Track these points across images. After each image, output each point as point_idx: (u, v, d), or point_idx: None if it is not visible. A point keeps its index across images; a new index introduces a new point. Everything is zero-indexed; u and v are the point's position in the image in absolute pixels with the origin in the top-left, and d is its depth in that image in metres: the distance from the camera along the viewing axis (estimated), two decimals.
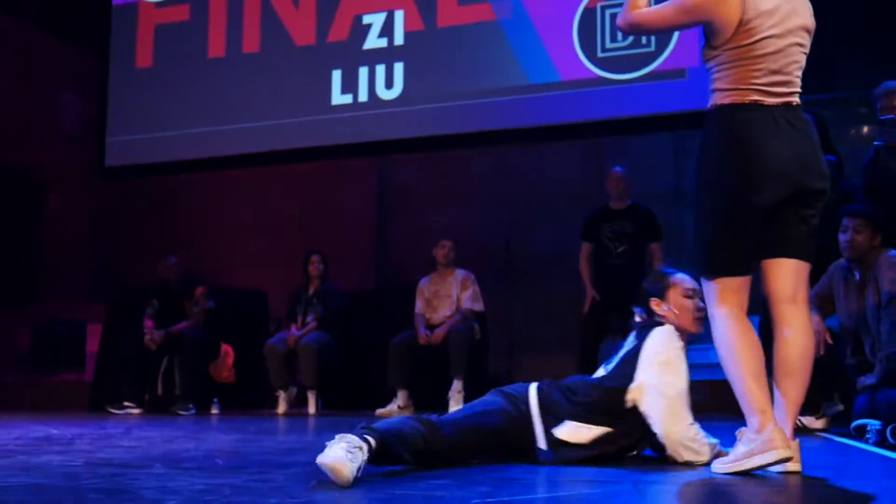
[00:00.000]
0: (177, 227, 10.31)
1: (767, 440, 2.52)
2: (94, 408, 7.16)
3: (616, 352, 3.12)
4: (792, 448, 2.57)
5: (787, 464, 2.55)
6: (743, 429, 2.65)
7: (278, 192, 10.42)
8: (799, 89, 2.74)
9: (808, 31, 2.74)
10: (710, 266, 2.73)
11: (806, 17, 2.75)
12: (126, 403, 6.63)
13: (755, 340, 2.68)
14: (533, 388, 2.95)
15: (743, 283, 2.72)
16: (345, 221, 10.06)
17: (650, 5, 2.81)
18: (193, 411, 6.56)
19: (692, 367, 7.81)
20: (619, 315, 6.06)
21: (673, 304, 3.07)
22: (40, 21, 10.49)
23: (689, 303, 3.06)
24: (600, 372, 3.09)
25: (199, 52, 8.60)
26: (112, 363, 7.12)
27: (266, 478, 2.47)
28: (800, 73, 2.73)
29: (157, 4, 8.81)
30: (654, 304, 3.11)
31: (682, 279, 3.12)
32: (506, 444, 2.85)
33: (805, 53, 2.75)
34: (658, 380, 2.90)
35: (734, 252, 2.69)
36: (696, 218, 2.80)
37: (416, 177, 10.02)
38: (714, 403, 6.85)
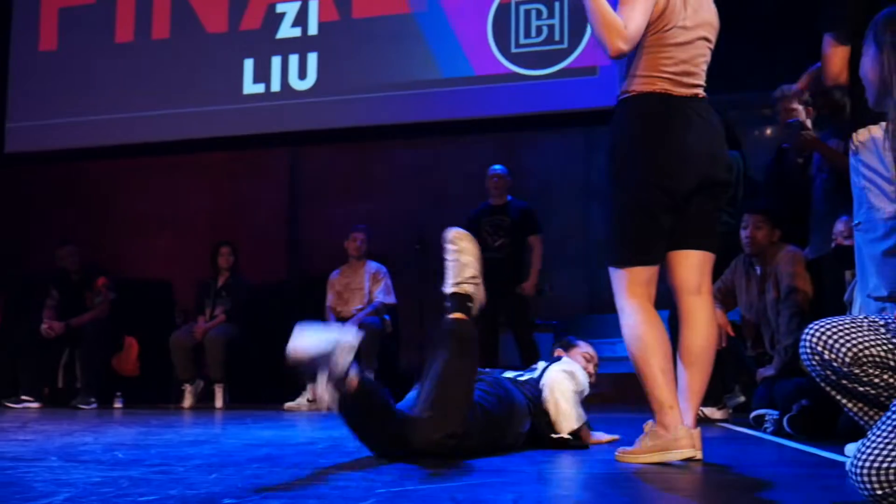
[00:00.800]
0: (81, 217, 10.00)
1: (675, 438, 2.56)
2: None
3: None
4: (694, 437, 2.62)
5: (689, 451, 2.60)
6: (650, 422, 2.68)
7: (187, 183, 10.20)
8: (703, 83, 2.79)
9: (713, 27, 2.80)
10: (619, 255, 2.75)
11: (712, 14, 2.81)
12: (24, 397, 6.41)
13: (663, 335, 2.70)
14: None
15: (651, 274, 2.75)
16: (255, 213, 9.91)
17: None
18: (95, 405, 6.37)
19: (599, 359, 7.91)
20: (503, 308, 6.19)
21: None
22: None
23: (587, 365, 3.46)
24: (510, 373, 3.24)
25: (106, 36, 8.36)
26: (9, 355, 6.85)
27: (166, 469, 2.41)
28: (705, 68, 2.79)
29: None
30: (558, 353, 3.49)
31: (586, 345, 3.59)
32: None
33: (710, 49, 2.81)
34: (562, 374, 3.04)
35: (643, 241, 2.72)
36: (605, 208, 2.82)
37: (328, 168, 9.93)
38: (619, 396, 7.00)
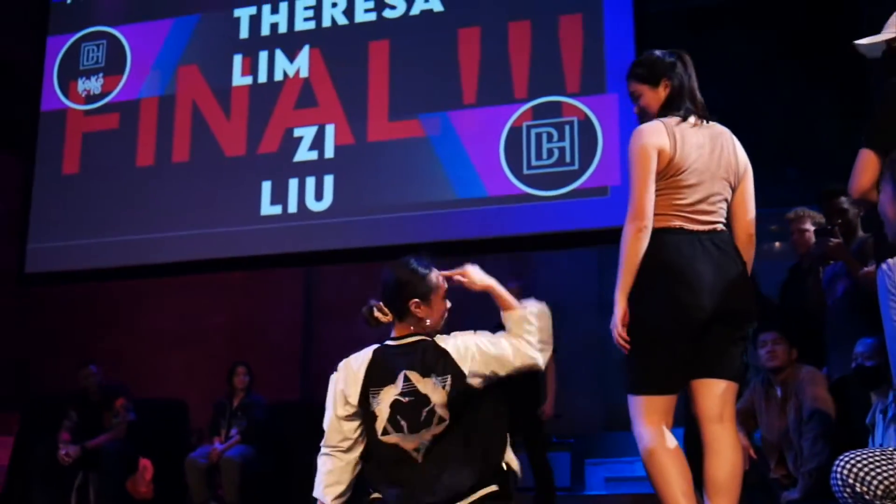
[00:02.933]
0: (96, 335, 10.09)
1: None
2: None
3: None
4: None
5: None
6: None
7: (204, 301, 10.32)
8: (723, 220, 2.88)
9: (733, 169, 2.90)
10: (636, 384, 2.82)
11: (732, 155, 2.91)
12: None
13: (682, 459, 2.73)
14: None
15: (668, 401, 2.81)
16: (270, 331, 9.99)
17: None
18: None
19: (616, 480, 7.81)
20: (521, 429, 6.12)
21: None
22: None
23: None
24: None
25: (127, 159, 8.56)
26: (24, 477, 6.81)
27: None
28: (724, 206, 2.88)
29: (86, 112, 8.80)
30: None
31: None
32: None
33: (732, 187, 2.90)
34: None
35: (660, 371, 2.78)
36: (627, 335, 2.88)
37: (343, 287, 10.04)
38: None
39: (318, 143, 8.13)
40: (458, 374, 2.76)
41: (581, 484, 7.91)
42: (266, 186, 8.16)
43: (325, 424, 2.73)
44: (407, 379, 2.76)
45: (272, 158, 8.20)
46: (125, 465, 6.66)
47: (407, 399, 2.74)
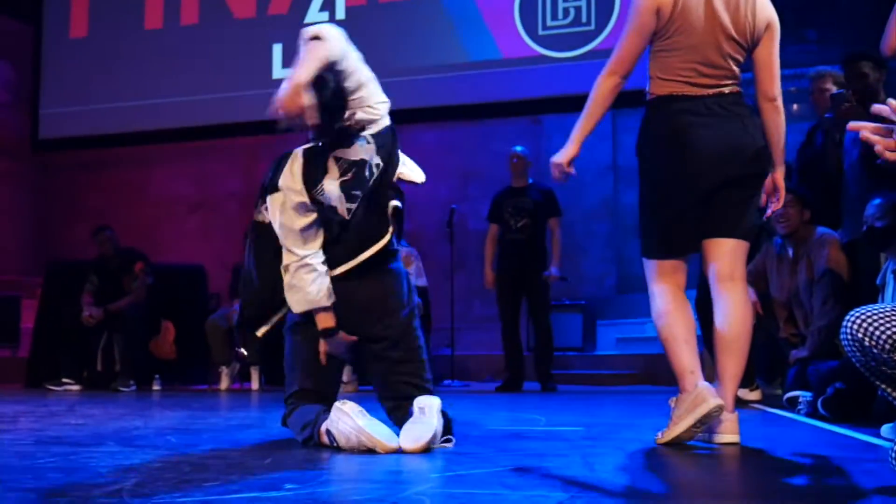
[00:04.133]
0: (111, 201, 10.15)
1: (696, 395, 2.65)
2: (31, 384, 7.05)
3: None
4: (732, 420, 2.69)
5: (727, 435, 2.67)
6: (673, 397, 2.77)
7: (216, 167, 10.33)
8: (734, 79, 2.83)
9: (743, 26, 2.82)
10: (647, 248, 2.86)
11: (746, 13, 2.82)
12: (65, 380, 6.55)
13: (687, 311, 2.82)
14: None
15: (678, 264, 2.85)
16: None
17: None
18: (134, 388, 6.51)
19: (627, 340, 7.94)
20: (526, 290, 6.25)
21: None
22: None
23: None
24: None
25: (135, 23, 8.46)
26: (50, 339, 7.00)
27: (221, 454, 2.51)
28: (732, 64, 2.82)
29: None
30: None
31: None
32: None
33: (743, 46, 2.83)
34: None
35: (669, 236, 2.81)
36: (639, 202, 2.90)
37: None
38: (649, 377, 7.06)
39: (328, 3, 7.99)
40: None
41: (592, 344, 8.07)
42: (277, 49, 8.06)
43: (288, 242, 2.67)
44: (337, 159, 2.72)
45: (282, 20, 8.07)
46: (147, 327, 6.83)
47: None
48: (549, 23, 7.47)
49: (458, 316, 7.60)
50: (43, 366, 7.05)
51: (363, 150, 2.73)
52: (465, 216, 8.86)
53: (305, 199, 2.70)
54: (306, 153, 2.79)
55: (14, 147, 10.30)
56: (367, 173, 2.72)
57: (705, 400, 2.63)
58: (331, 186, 2.70)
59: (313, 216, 2.72)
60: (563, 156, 2.83)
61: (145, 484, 1.96)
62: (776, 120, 2.88)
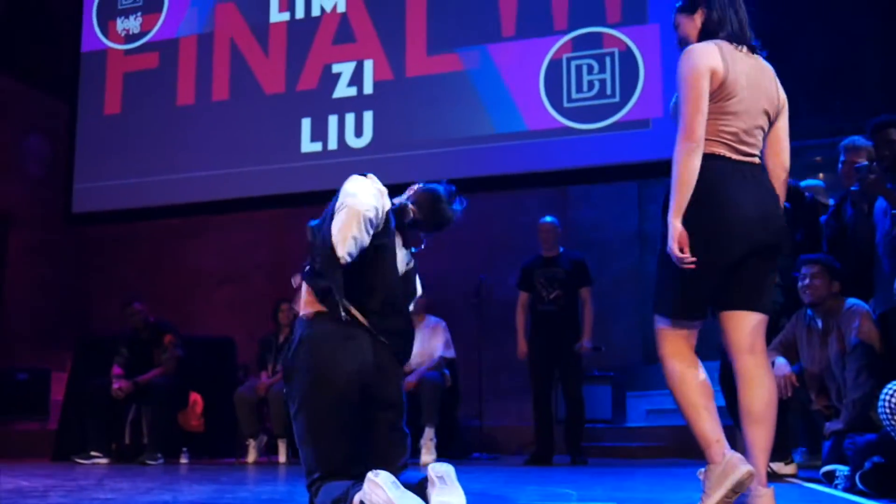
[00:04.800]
0: (140, 275, 10.27)
1: (726, 464, 2.62)
2: (59, 457, 7.06)
3: None
4: (767, 495, 2.65)
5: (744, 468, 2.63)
6: (702, 469, 2.73)
7: (244, 240, 10.45)
8: (759, 152, 2.87)
9: (772, 101, 2.88)
10: (664, 307, 2.84)
11: (772, 88, 2.88)
12: (93, 453, 6.55)
13: (703, 378, 2.80)
14: None
15: (693, 328, 2.84)
16: None
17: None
18: (162, 461, 6.49)
19: (657, 412, 7.83)
20: (558, 361, 6.19)
21: None
22: (8, 65, 10.48)
23: None
24: None
25: (168, 99, 8.63)
26: (78, 412, 7.03)
27: None
28: (762, 138, 2.87)
29: (127, 52, 8.85)
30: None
31: None
32: None
33: (770, 120, 2.88)
34: None
35: (686, 302, 2.80)
36: (659, 259, 2.87)
37: None
38: (680, 449, 6.95)
39: (356, 78, 8.13)
40: None
41: (622, 416, 7.98)
42: (306, 123, 8.19)
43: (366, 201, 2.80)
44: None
45: (311, 95, 8.22)
46: (176, 399, 6.85)
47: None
48: (574, 95, 7.56)
49: (485, 387, 7.56)
50: (71, 438, 7.07)
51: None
52: (492, 287, 8.87)
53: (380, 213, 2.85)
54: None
55: (48, 220, 10.48)
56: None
57: (736, 467, 2.60)
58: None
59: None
60: (674, 239, 2.72)
61: None
62: (783, 190, 2.94)
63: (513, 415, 8.15)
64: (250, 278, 10.38)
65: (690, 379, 2.77)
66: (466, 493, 3.74)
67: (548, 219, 6.57)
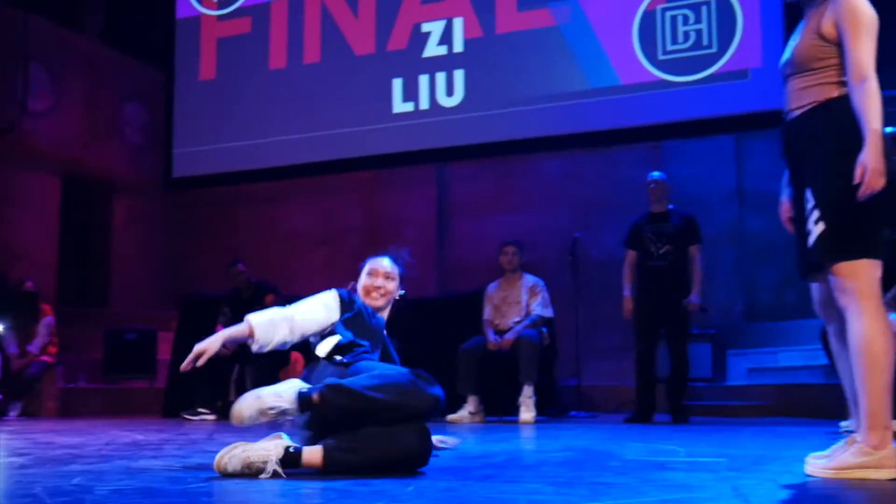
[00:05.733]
0: (241, 236, 10.50)
1: (884, 457, 2.51)
2: (168, 414, 7.31)
3: None
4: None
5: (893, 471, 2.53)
6: (856, 437, 2.61)
7: (339, 201, 10.57)
8: None
9: None
10: (863, 247, 2.63)
11: None
12: (200, 409, 6.76)
13: (892, 347, 2.60)
14: None
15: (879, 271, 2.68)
16: (404, 229, 10.15)
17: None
18: None
19: (759, 370, 7.62)
20: (664, 318, 6.04)
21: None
22: (106, 36, 10.75)
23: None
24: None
25: (260, 63, 8.75)
26: (185, 372, 7.24)
27: (363, 483, 2.51)
28: None
29: (220, 17, 8.98)
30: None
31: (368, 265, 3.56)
32: None
33: None
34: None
35: (877, 231, 2.66)
36: (831, 202, 2.69)
37: (475, 183, 10.08)
38: (784, 408, 6.79)
39: (446, 37, 8.09)
40: None
41: (723, 374, 7.84)
42: (397, 83, 8.20)
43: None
44: None
45: (402, 55, 8.22)
46: (278, 359, 6.99)
47: None
48: (669, 47, 7.37)
49: (581, 347, 7.51)
50: (179, 396, 7.31)
51: None
52: (587, 245, 8.77)
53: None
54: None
55: (148, 187, 10.79)
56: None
57: (886, 467, 2.50)
58: None
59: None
60: (873, 159, 2.57)
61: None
62: None
63: (608, 374, 8.09)
64: (344, 240, 10.51)
65: (886, 347, 2.55)
66: (570, 448, 3.73)
67: (656, 174, 6.40)
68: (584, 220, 9.47)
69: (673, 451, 3.57)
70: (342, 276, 9.55)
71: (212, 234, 10.91)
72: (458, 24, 8.03)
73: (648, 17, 7.48)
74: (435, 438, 3.18)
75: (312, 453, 2.65)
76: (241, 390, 7.22)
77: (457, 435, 4.22)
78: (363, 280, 3.42)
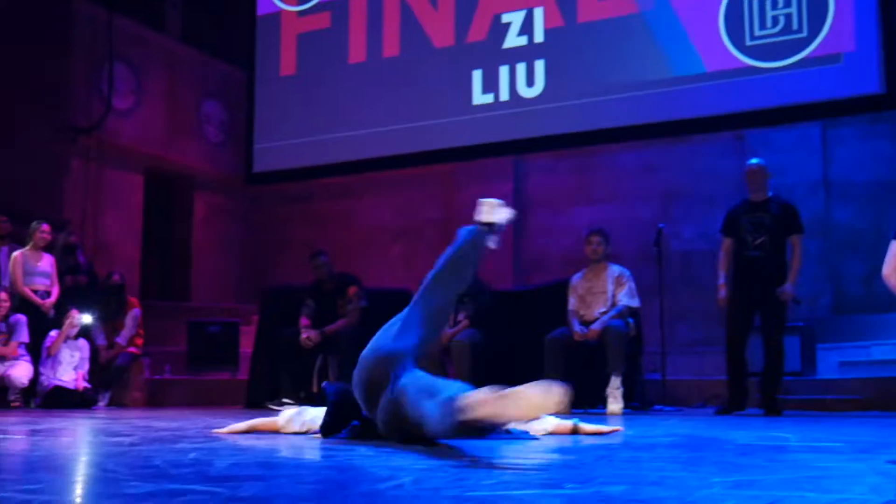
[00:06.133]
0: (319, 230, 10.58)
1: None
2: (251, 405, 7.37)
3: None
4: None
5: None
6: None
7: (416, 195, 10.58)
8: None
9: None
10: None
11: None
12: (284, 399, 6.79)
13: None
14: None
15: None
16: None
17: None
18: None
19: (850, 364, 7.41)
20: (760, 310, 5.86)
21: None
22: (185, 34, 10.92)
23: None
24: None
25: (340, 57, 8.79)
26: (268, 361, 7.31)
27: (478, 460, 2.47)
28: None
29: (300, 13, 9.04)
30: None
31: None
32: None
33: None
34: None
35: None
36: None
37: (553, 175, 10.00)
38: (879, 402, 6.58)
39: (526, 27, 8.02)
40: None
41: (812, 368, 7.62)
42: (477, 75, 8.16)
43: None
44: None
45: (481, 46, 8.18)
46: (361, 348, 6.98)
47: None
48: (757, 32, 7.20)
49: (665, 340, 7.37)
50: (261, 387, 7.37)
51: None
52: (668, 237, 8.63)
53: None
54: None
55: (227, 182, 10.94)
56: None
57: None
58: None
59: None
60: None
61: (422, 480, 1.96)
62: None
63: (693, 368, 7.94)
64: (422, 233, 10.52)
65: None
66: (674, 434, 3.65)
67: (755, 161, 6.21)
68: (665, 212, 9.32)
69: (783, 437, 3.46)
70: (420, 271, 9.56)
71: (288, 229, 11.01)
72: (538, 13, 7.96)
73: (735, 1, 7.32)
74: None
75: None
76: (324, 379, 7.27)
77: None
78: None
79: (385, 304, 7.70)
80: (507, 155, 9.02)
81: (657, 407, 6.86)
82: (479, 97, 8.11)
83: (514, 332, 7.05)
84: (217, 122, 11.08)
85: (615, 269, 6.46)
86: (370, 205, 10.73)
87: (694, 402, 7.55)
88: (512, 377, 6.78)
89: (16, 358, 7.04)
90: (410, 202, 10.58)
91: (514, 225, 10.25)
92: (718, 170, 9.05)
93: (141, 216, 10.30)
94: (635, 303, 6.38)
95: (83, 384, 7.29)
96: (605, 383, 6.00)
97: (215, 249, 11.05)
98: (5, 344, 7.02)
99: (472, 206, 10.13)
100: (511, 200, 10.14)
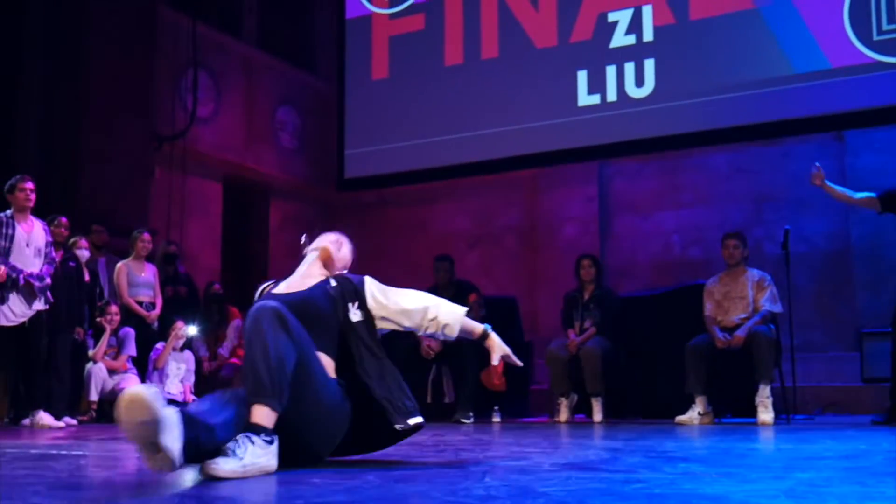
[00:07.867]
0: (392, 238, 10.38)
1: None
2: None
3: None
4: None
5: None
6: None
7: (495, 201, 10.37)
8: None
9: None
10: None
11: None
12: None
13: None
14: None
15: None
16: (563, 227, 9.91)
17: None
18: (473, 419, 6.46)
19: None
20: None
21: None
22: (261, 40, 10.76)
23: None
24: None
25: (435, 60, 8.59)
26: None
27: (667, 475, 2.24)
28: None
29: (392, 16, 8.86)
30: None
31: None
32: None
33: None
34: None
35: None
36: None
37: (639, 179, 9.76)
38: None
39: (634, 26, 7.80)
40: None
41: None
42: (582, 76, 7.95)
43: None
44: None
45: (586, 46, 7.96)
46: (479, 359, 6.78)
47: None
48: (885, 27, 6.96)
49: (799, 344, 7.13)
50: None
51: None
52: (760, 241, 8.39)
53: None
54: None
55: (300, 190, 10.77)
56: None
57: None
58: None
59: None
60: None
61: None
62: None
63: (818, 374, 7.69)
64: (500, 240, 10.31)
65: None
66: (833, 449, 3.38)
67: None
68: (757, 215, 9.08)
69: None
70: (498, 278, 9.32)
71: (362, 237, 10.78)
72: (647, 11, 7.75)
73: None
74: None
75: None
76: (437, 391, 7.06)
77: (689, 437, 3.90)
78: None
79: (495, 309, 7.55)
80: (615, 157, 8.80)
81: (782, 416, 6.61)
82: (585, 98, 7.90)
83: (645, 339, 6.82)
84: (291, 128, 10.90)
85: (755, 273, 6.22)
86: (446, 211, 10.52)
87: (811, 410, 7.31)
88: (652, 385, 6.54)
89: (125, 371, 6.86)
90: (487, 208, 10.37)
91: (600, 230, 10.05)
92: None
93: (220, 224, 10.13)
94: (778, 308, 6.14)
95: (190, 396, 7.10)
96: (755, 391, 5.75)
97: (290, 258, 10.84)
98: (115, 357, 6.85)
99: (556, 212, 9.94)
100: (596, 205, 9.97)
